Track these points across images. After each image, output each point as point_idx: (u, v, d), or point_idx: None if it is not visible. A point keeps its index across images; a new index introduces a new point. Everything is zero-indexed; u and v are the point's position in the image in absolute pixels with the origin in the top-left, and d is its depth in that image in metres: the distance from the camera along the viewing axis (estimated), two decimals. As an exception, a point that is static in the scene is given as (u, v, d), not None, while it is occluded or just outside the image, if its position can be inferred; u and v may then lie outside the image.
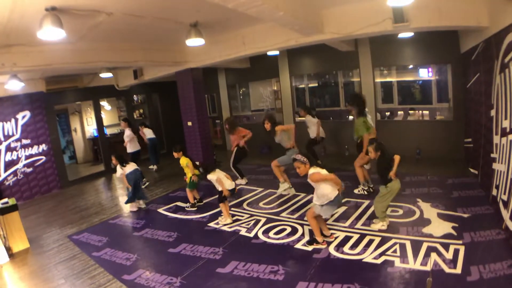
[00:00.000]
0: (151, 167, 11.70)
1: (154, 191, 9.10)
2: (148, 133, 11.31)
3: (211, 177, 6.20)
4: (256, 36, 7.55)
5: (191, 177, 7.08)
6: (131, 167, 7.38)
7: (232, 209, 6.78)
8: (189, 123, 10.18)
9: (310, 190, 7.11)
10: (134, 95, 14.98)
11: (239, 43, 7.86)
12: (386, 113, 10.38)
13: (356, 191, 6.95)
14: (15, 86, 8.01)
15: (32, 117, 10.01)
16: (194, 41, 6.36)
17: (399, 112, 10.16)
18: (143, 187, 9.30)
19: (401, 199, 6.18)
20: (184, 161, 7.14)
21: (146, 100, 15.29)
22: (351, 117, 8.98)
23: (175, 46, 8.72)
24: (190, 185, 7.21)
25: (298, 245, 5.07)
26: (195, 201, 7.33)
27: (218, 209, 6.92)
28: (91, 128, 14.66)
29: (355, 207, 6.31)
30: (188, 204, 7.31)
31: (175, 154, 7.30)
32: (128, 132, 10.04)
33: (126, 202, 7.53)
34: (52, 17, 4.30)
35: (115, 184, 10.80)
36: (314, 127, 9.09)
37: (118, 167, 7.45)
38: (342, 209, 6.20)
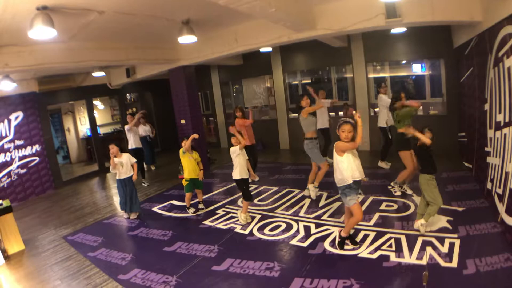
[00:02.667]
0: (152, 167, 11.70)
1: (148, 190, 9.06)
2: (147, 131, 11.14)
3: (235, 149, 5.92)
4: (249, 32, 7.52)
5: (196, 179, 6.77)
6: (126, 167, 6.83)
7: (226, 206, 6.77)
8: (183, 121, 10.14)
9: (306, 186, 7.14)
10: (127, 94, 14.93)
11: (232, 40, 7.83)
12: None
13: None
14: (7, 87, 7.94)
15: (25, 118, 9.93)
16: (186, 39, 6.33)
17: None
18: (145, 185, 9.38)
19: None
20: (197, 156, 6.76)
21: (139, 99, 15.25)
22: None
23: (167, 43, 8.67)
24: (201, 185, 6.92)
25: (293, 241, 5.07)
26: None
27: (212, 207, 6.93)
28: (84, 128, 14.58)
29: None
30: (196, 208, 6.90)
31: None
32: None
33: (131, 210, 7.01)
34: (43, 16, 4.26)
35: (109, 184, 10.74)
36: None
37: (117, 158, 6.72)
38: (336, 204, 6.23)
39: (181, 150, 6.65)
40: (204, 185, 7.16)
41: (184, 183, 6.76)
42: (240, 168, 5.87)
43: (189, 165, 6.67)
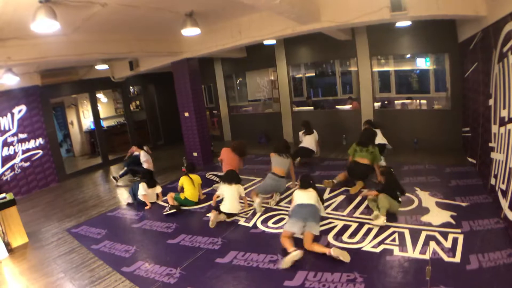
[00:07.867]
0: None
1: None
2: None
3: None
4: (252, 25, 7.47)
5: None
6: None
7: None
8: (186, 114, 10.13)
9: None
10: (130, 87, 14.88)
11: (235, 32, 7.79)
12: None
13: None
14: (10, 81, 7.92)
15: (28, 111, 9.92)
16: (190, 31, 6.30)
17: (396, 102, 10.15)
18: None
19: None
20: (199, 179, 7.02)
21: (143, 91, 15.21)
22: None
23: (171, 36, 8.63)
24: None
25: (297, 234, 5.06)
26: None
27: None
28: (87, 121, 14.58)
29: (353, 195, 6.32)
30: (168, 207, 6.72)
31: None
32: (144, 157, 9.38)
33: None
34: (46, 9, 4.23)
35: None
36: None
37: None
38: (340, 198, 6.23)
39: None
40: (207, 178, 7.16)
41: (182, 196, 6.81)
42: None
43: (190, 187, 6.82)
